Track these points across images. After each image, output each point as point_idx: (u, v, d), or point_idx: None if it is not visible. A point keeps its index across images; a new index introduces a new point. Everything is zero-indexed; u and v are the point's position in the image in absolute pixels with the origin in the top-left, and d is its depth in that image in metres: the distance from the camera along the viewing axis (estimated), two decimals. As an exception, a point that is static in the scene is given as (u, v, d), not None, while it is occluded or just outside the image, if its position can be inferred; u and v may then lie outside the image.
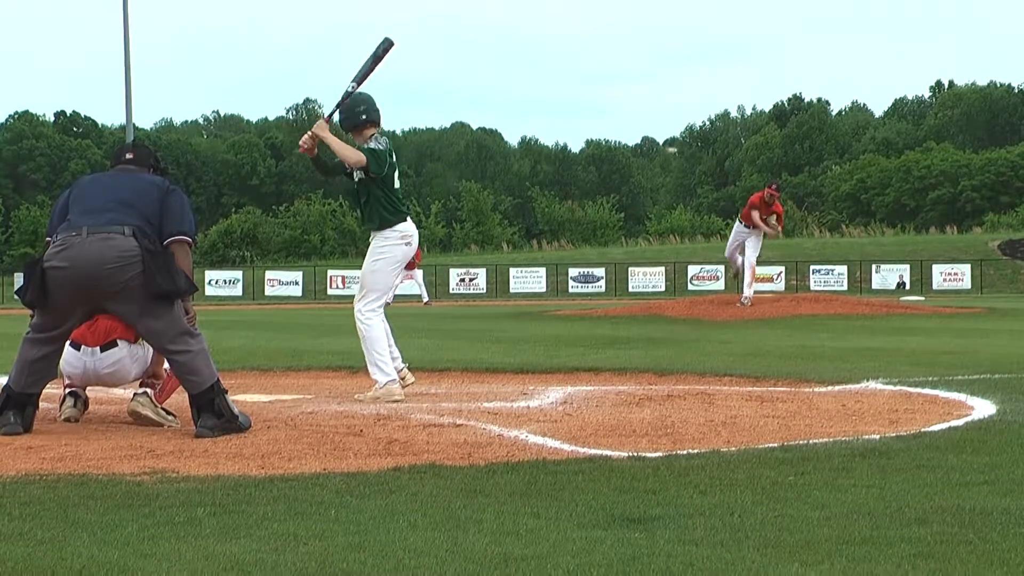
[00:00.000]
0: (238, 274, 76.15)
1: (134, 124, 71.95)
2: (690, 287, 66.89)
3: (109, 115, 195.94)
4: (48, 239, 8.95)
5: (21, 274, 9.91)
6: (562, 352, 16.37)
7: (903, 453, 7.40)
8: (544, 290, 68.56)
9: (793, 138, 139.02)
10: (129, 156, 9.50)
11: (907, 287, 68.36)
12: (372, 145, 11.00)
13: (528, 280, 70.40)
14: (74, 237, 8.68)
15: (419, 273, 48.13)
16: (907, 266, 72.39)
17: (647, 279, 69.59)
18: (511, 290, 68.26)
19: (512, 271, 71.36)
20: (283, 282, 73.40)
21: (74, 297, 8.69)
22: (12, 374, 8.87)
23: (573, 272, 70.43)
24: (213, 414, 8.65)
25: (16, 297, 9.66)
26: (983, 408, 9.62)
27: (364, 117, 11.12)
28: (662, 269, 71.42)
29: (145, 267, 8.66)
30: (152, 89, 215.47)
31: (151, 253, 8.70)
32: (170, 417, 9.34)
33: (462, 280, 72.09)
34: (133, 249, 8.66)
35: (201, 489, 6.33)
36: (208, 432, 8.51)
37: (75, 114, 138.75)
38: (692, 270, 71.95)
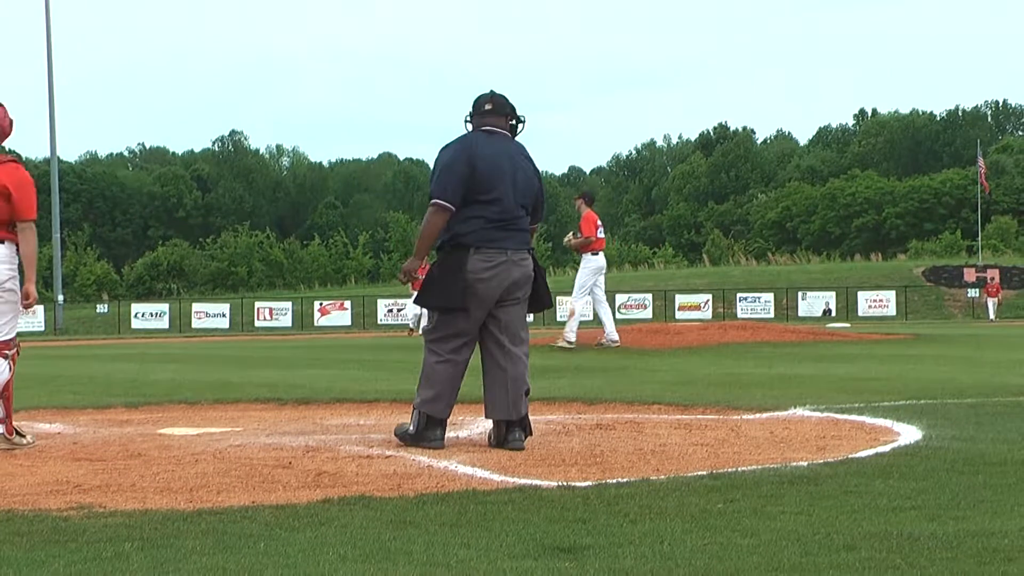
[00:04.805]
0: (165, 307, 75.73)
1: (58, 157, 71.51)
2: (617, 316, 66.94)
3: (33, 148, 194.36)
4: (442, 202, 9.26)
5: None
6: (491, 382, 16.32)
7: (831, 479, 7.44)
8: (473, 320, 68.37)
9: (719, 166, 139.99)
10: (488, 107, 9.58)
11: (833, 314, 68.93)
12: None
13: (456, 310, 70.17)
14: (499, 256, 9.32)
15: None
16: (833, 293, 73.06)
17: (575, 308, 69.45)
18: (439, 320, 67.99)
19: (440, 301, 71.10)
20: (210, 314, 73.05)
21: (482, 306, 9.32)
22: (430, 399, 9.45)
23: (501, 302, 70.32)
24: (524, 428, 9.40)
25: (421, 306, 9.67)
26: (909, 434, 9.68)
27: None
28: (589, 298, 71.42)
29: (535, 287, 9.57)
30: (76, 121, 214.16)
31: (538, 273, 9.59)
32: (24, 439, 9.62)
33: (390, 311, 71.97)
34: (531, 272, 9.50)
35: (129, 524, 6.27)
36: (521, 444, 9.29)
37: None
38: (620, 299, 72.12)
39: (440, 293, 9.32)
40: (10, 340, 9.83)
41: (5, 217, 9.75)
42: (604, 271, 25.15)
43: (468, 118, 9.67)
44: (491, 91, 9.68)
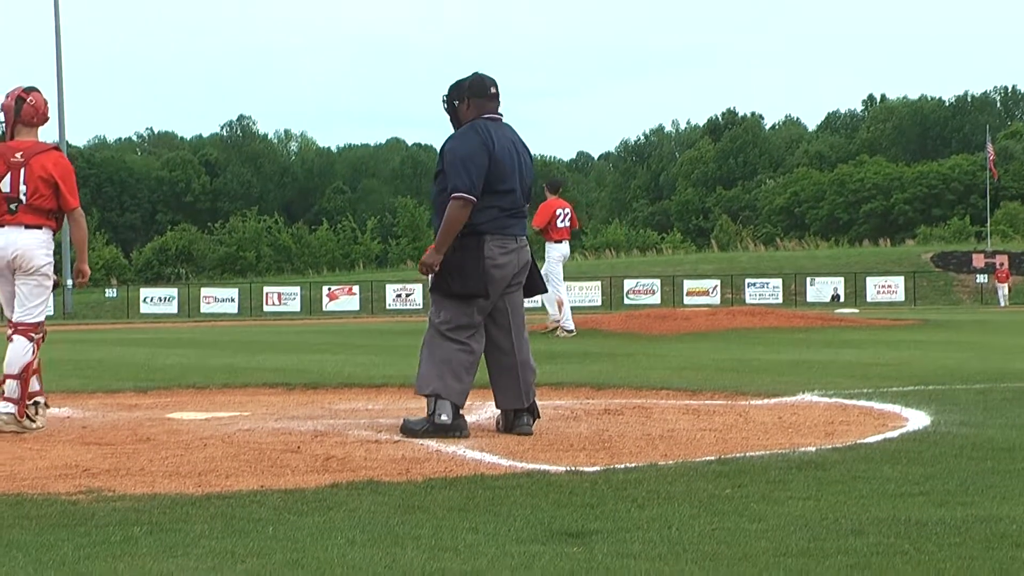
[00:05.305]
0: (173, 291, 75.81)
1: (67, 141, 71.55)
2: (626, 301, 67.11)
3: (42, 133, 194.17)
4: (466, 196, 9.16)
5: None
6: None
7: (839, 465, 7.44)
8: (481, 305, 68.33)
9: (727, 152, 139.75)
10: (493, 91, 9.51)
11: (841, 300, 68.87)
12: None
13: (464, 295, 70.15)
14: (511, 243, 9.42)
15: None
16: (841, 279, 72.97)
17: (583, 293, 69.59)
18: (448, 305, 67.97)
19: (449, 286, 71.05)
20: (219, 299, 73.10)
21: (496, 292, 9.41)
22: (439, 382, 9.32)
23: (509, 287, 70.24)
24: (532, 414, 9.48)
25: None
26: (917, 419, 9.68)
27: None
28: (598, 283, 71.63)
29: (530, 272, 9.66)
30: (85, 106, 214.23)
31: (533, 261, 9.71)
32: (34, 423, 9.68)
33: (399, 296, 72.02)
34: (529, 258, 9.62)
35: (137, 508, 6.28)
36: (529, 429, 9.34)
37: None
38: (628, 284, 72.21)
39: (461, 280, 9.26)
40: (38, 323, 9.89)
41: (49, 204, 9.89)
42: (566, 259, 25.20)
43: (448, 98, 9.52)
44: (480, 73, 9.53)
